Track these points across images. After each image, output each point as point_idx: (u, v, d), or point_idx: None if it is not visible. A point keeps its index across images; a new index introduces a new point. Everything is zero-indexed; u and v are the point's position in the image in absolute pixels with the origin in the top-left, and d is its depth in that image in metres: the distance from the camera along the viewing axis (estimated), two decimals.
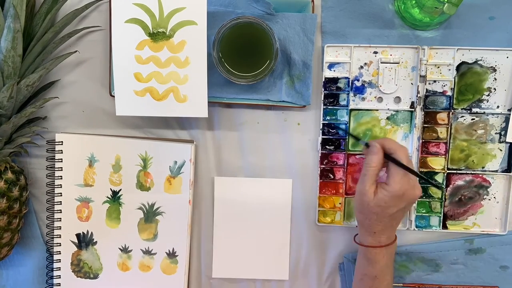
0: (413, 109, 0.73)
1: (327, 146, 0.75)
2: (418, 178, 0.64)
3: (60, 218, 0.78)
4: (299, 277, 0.79)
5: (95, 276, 0.80)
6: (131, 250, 0.79)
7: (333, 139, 0.74)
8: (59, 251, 0.79)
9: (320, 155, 0.75)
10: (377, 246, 0.65)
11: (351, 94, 0.74)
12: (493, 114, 0.73)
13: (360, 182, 0.64)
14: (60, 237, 0.79)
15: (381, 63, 0.72)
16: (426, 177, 0.66)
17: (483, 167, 0.74)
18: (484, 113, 0.73)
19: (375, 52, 0.73)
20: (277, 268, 0.79)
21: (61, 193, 0.78)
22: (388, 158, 0.63)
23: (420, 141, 0.73)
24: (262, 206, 0.77)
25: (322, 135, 0.74)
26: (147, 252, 0.79)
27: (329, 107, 0.74)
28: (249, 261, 0.79)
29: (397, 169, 0.62)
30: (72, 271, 0.80)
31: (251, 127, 0.77)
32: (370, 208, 0.63)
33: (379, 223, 0.64)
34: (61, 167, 0.77)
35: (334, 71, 0.74)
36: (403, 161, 0.62)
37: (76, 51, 0.75)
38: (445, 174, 0.74)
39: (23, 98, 0.71)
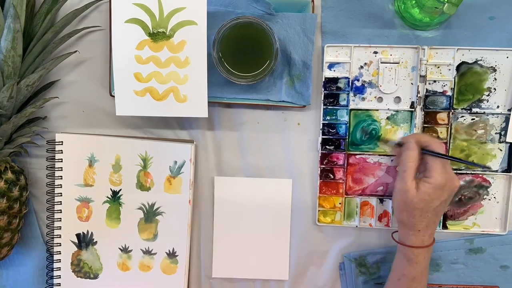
0: (413, 109, 0.73)
1: (327, 146, 0.75)
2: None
3: (60, 218, 0.78)
4: (299, 277, 0.79)
5: (95, 276, 0.80)
6: (131, 250, 0.79)
7: (333, 139, 0.74)
8: (59, 251, 0.79)
9: (320, 155, 0.75)
10: (420, 247, 0.64)
11: (351, 94, 0.74)
12: (493, 114, 0.73)
13: (399, 180, 0.64)
14: (60, 237, 0.79)
15: (381, 63, 0.72)
16: (467, 161, 0.67)
17: (483, 169, 0.74)
18: (484, 113, 0.73)
19: (375, 52, 0.73)
20: (277, 268, 0.79)
21: (61, 193, 0.78)
22: (426, 151, 0.63)
23: None
24: (262, 206, 0.77)
25: (322, 135, 0.74)
26: (147, 252, 0.79)
27: (329, 107, 0.74)
28: (249, 261, 0.79)
29: (435, 160, 0.62)
30: (72, 271, 0.80)
31: (251, 127, 0.77)
32: (414, 204, 0.62)
33: (423, 219, 0.63)
34: (61, 167, 0.77)
35: (334, 71, 0.74)
36: (441, 151, 0.63)
37: (76, 51, 0.75)
38: None
39: (23, 98, 0.71)
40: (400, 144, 0.67)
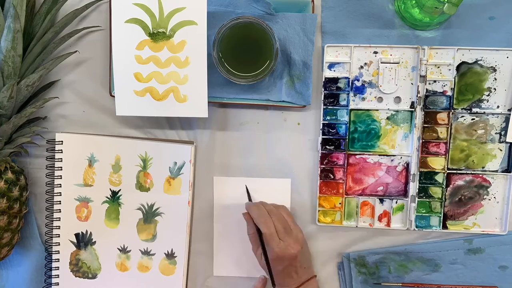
0: (413, 109, 0.73)
1: (327, 146, 0.75)
2: (299, 232, 0.71)
3: (60, 218, 0.78)
4: None
5: (94, 276, 0.80)
6: (130, 251, 0.79)
7: (333, 139, 0.74)
8: (58, 251, 0.79)
9: (320, 155, 0.75)
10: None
11: (351, 94, 0.74)
12: (493, 114, 0.73)
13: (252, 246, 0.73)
14: (59, 236, 0.79)
15: (381, 63, 0.72)
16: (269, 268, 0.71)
17: (483, 167, 0.74)
18: (484, 113, 0.73)
19: (375, 52, 0.73)
20: None
21: (60, 192, 0.78)
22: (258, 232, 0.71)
23: (420, 141, 0.73)
24: None
25: (322, 135, 0.74)
26: (146, 253, 0.79)
27: (329, 107, 0.74)
28: (250, 260, 0.78)
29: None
30: (71, 271, 0.80)
31: (251, 127, 0.77)
32: (263, 266, 0.72)
33: (276, 278, 0.70)
34: (61, 167, 0.77)
35: (334, 71, 0.74)
36: (261, 228, 0.69)
37: (76, 51, 0.75)
38: (445, 174, 0.74)
39: (23, 98, 0.71)
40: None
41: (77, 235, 0.79)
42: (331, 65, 0.73)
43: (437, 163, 0.74)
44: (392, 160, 0.75)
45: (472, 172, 0.74)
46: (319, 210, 0.76)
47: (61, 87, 0.78)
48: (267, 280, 0.78)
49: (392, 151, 0.74)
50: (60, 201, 0.78)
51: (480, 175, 0.74)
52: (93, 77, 0.77)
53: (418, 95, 0.72)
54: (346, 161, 0.75)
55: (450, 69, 0.72)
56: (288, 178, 0.77)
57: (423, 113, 0.73)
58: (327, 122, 0.74)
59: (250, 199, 0.76)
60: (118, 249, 0.79)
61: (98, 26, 0.76)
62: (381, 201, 0.76)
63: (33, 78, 0.69)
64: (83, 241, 0.79)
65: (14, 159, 0.78)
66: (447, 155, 0.74)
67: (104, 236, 0.79)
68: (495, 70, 0.72)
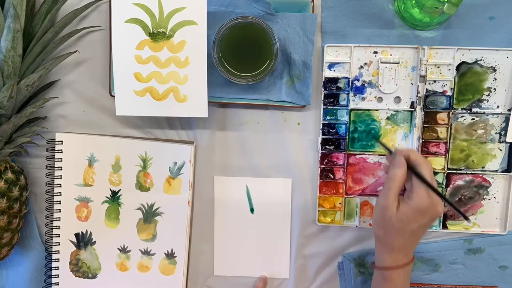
0: (413, 109, 0.73)
1: (327, 146, 0.75)
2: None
3: (60, 218, 0.78)
4: (298, 277, 0.79)
5: (94, 276, 0.80)
6: (129, 251, 0.79)
7: (333, 139, 0.74)
8: (58, 251, 0.79)
9: (320, 155, 0.75)
10: (394, 267, 0.63)
11: (351, 94, 0.74)
12: (493, 114, 0.73)
13: (382, 196, 0.62)
14: (59, 236, 0.79)
15: (381, 63, 0.72)
16: (451, 202, 0.63)
17: (483, 167, 0.74)
18: (484, 113, 0.73)
19: (375, 52, 0.73)
20: (278, 267, 0.79)
21: (60, 192, 0.78)
22: (412, 171, 0.61)
23: (420, 141, 0.73)
24: (262, 206, 0.78)
25: (322, 135, 0.74)
26: (146, 253, 0.79)
27: (329, 107, 0.74)
28: (250, 259, 0.79)
29: (420, 183, 0.60)
30: (71, 271, 0.80)
31: (251, 127, 0.77)
32: (392, 223, 0.60)
33: (399, 239, 0.61)
34: (61, 167, 0.77)
35: (334, 71, 0.74)
36: (427, 176, 0.60)
37: (76, 51, 0.75)
38: (445, 174, 0.74)
39: (23, 98, 0.71)
40: (392, 152, 0.65)
41: (77, 235, 0.79)
42: (331, 65, 0.73)
43: (437, 163, 0.74)
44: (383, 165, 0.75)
45: (472, 172, 0.74)
46: (319, 210, 0.76)
47: (61, 87, 0.78)
48: (267, 280, 0.78)
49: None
50: (60, 201, 0.78)
51: (480, 175, 0.74)
52: (93, 77, 0.77)
53: (418, 95, 0.72)
54: (346, 161, 0.75)
55: (450, 69, 0.72)
56: (288, 177, 0.77)
57: (423, 113, 0.73)
58: (327, 122, 0.74)
59: (390, 150, 0.67)
60: (118, 249, 0.79)
61: (98, 26, 0.76)
62: None
63: (33, 78, 0.69)
64: (83, 241, 0.79)
65: (14, 159, 0.78)
66: (447, 155, 0.74)
67: (104, 236, 0.79)
68: (495, 70, 0.72)
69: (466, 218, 0.60)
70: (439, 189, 0.74)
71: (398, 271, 0.63)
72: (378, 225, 0.63)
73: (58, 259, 0.79)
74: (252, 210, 0.78)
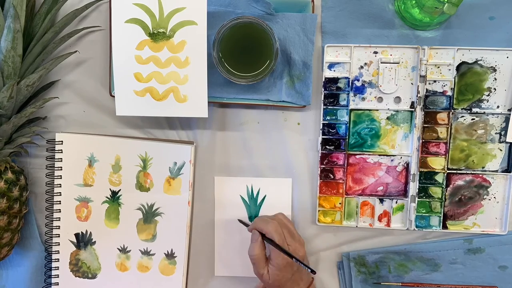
0: (413, 109, 0.73)
1: (327, 146, 0.75)
2: (299, 236, 0.72)
3: (59, 218, 0.78)
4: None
5: (93, 276, 0.80)
6: (129, 251, 0.79)
7: (333, 139, 0.74)
8: (58, 251, 0.79)
9: (320, 155, 0.75)
10: None
11: (351, 94, 0.74)
12: (493, 114, 0.73)
13: (253, 265, 0.69)
14: (58, 236, 0.79)
15: (381, 63, 0.72)
16: (297, 259, 0.67)
17: (483, 167, 0.74)
18: (484, 113, 0.73)
19: (375, 52, 0.73)
20: None
21: (60, 192, 0.78)
22: (264, 239, 0.69)
23: (420, 141, 0.73)
24: (263, 206, 0.78)
25: (322, 135, 0.74)
26: (146, 253, 0.79)
27: (329, 107, 0.74)
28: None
29: (273, 247, 0.67)
30: (71, 271, 0.79)
31: (251, 127, 0.77)
32: (272, 284, 0.68)
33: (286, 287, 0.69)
34: (61, 167, 0.77)
35: (334, 71, 0.74)
36: (274, 237, 0.67)
37: (76, 51, 0.75)
38: (445, 174, 0.74)
39: (23, 98, 0.71)
40: (247, 225, 0.73)
41: (77, 235, 0.79)
42: (331, 65, 0.73)
43: (437, 163, 0.74)
44: (392, 160, 0.75)
45: (472, 172, 0.74)
46: (319, 210, 0.76)
47: (61, 87, 0.78)
48: None
49: (392, 151, 0.74)
50: (60, 201, 0.78)
51: (480, 175, 0.74)
52: (93, 77, 0.77)
53: (418, 95, 0.72)
54: (346, 161, 0.75)
55: (450, 69, 0.72)
56: (288, 177, 0.77)
57: (423, 113, 0.73)
58: (327, 122, 0.74)
59: (247, 224, 0.75)
60: (118, 249, 0.79)
61: (98, 26, 0.76)
62: (381, 201, 0.76)
63: (33, 78, 0.69)
64: (83, 241, 0.79)
65: (14, 159, 0.78)
66: (447, 155, 0.74)
67: (104, 236, 0.79)
68: (495, 70, 0.72)
69: (312, 271, 0.65)
70: (439, 189, 0.74)
71: None
72: (268, 286, 0.71)
73: (58, 259, 0.79)
74: (251, 218, 0.78)
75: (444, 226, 0.75)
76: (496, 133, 0.73)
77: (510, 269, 0.76)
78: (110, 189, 0.78)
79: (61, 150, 0.77)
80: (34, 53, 0.70)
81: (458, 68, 0.72)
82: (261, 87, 0.74)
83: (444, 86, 0.72)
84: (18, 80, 0.67)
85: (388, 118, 0.74)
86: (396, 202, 0.75)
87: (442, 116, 0.73)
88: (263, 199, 0.77)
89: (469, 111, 0.73)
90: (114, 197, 0.78)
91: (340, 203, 0.76)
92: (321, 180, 0.75)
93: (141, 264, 0.79)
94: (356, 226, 0.76)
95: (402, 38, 0.73)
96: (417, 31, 0.73)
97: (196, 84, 0.69)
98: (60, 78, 0.78)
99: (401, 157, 0.75)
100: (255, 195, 0.77)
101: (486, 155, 0.74)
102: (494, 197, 0.74)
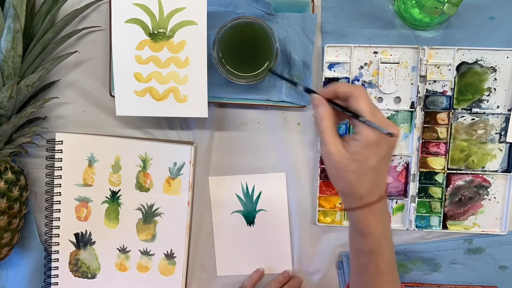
0: (413, 109, 0.73)
1: None
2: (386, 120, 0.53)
3: (59, 218, 0.78)
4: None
5: (93, 276, 0.80)
6: (129, 251, 0.79)
7: None
8: (57, 251, 0.79)
9: (320, 155, 0.75)
10: (365, 206, 0.53)
11: None
12: (493, 114, 0.73)
13: (321, 144, 0.54)
14: (58, 236, 0.79)
15: (381, 63, 0.72)
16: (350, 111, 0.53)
17: (483, 167, 0.74)
18: (484, 113, 0.73)
19: (375, 52, 0.73)
20: (278, 268, 0.79)
21: (60, 192, 0.78)
22: (341, 108, 0.54)
23: (420, 141, 0.73)
24: (260, 203, 0.78)
25: None
26: (145, 253, 0.79)
27: None
28: (250, 261, 0.79)
29: (363, 113, 0.51)
30: (70, 271, 0.79)
31: (251, 127, 0.77)
32: (345, 167, 0.51)
33: (363, 182, 0.52)
34: (61, 167, 0.77)
35: (334, 71, 0.74)
36: (363, 104, 0.51)
37: (76, 51, 0.75)
38: (445, 174, 0.74)
39: (23, 98, 0.71)
40: (308, 91, 0.57)
41: (76, 235, 0.79)
42: (331, 65, 0.73)
43: (437, 163, 0.74)
44: (392, 160, 0.75)
45: (472, 172, 0.74)
46: (319, 210, 0.76)
47: (61, 87, 0.78)
48: (263, 273, 0.78)
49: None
50: (59, 201, 0.78)
51: (480, 175, 0.74)
52: (93, 77, 0.77)
53: (418, 95, 0.72)
54: None
55: (450, 69, 0.72)
56: (282, 172, 0.77)
57: (423, 113, 0.73)
58: None
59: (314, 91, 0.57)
60: (118, 249, 0.79)
61: (98, 26, 0.76)
62: None
63: (33, 78, 0.69)
64: (82, 241, 0.79)
65: (14, 159, 0.77)
66: (447, 155, 0.74)
67: (104, 236, 0.79)
68: (495, 70, 0.72)
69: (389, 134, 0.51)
70: (439, 189, 0.74)
71: (374, 220, 0.54)
72: (334, 177, 0.54)
73: (58, 259, 0.79)
74: (250, 223, 0.79)
75: (444, 226, 0.75)
76: (496, 133, 0.73)
77: (510, 269, 0.76)
78: (110, 189, 0.78)
79: (61, 150, 0.77)
80: (34, 53, 0.70)
81: (458, 68, 0.72)
82: (261, 87, 0.74)
83: (444, 86, 0.72)
84: (18, 80, 0.67)
85: (388, 118, 0.74)
86: (396, 202, 0.75)
87: (442, 116, 0.73)
88: (258, 196, 0.78)
89: (469, 111, 0.73)
90: (114, 197, 0.78)
91: (340, 203, 0.76)
92: (321, 180, 0.75)
93: (141, 264, 0.79)
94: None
95: (402, 38, 0.73)
96: (417, 31, 0.73)
97: (196, 84, 0.69)
98: (60, 78, 0.78)
99: (401, 157, 0.75)
100: (250, 192, 0.78)
101: (486, 155, 0.74)
102: (494, 197, 0.74)
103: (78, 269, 0.80)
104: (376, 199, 0.53)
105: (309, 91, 0.56)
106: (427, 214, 0.75)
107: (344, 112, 0.53)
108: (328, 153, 0.52)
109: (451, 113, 0.73)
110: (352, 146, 0.51)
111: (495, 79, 0.72)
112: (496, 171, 0.74)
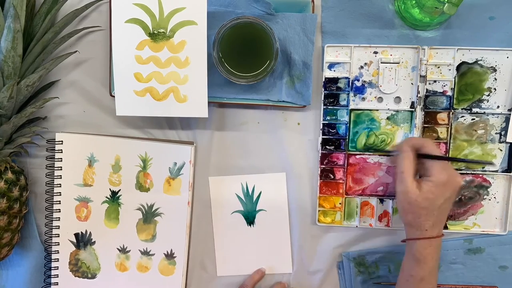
0: (413, 109, 0.73)
1: (327, 146, 0.75)
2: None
3: (59, 218, 0.78)
4: (299, 276, 0.79)
5: (93, 276, 0.80)
6: (129, 251, 0.79)
7: (333, 139, 0.74)
8: (57, 251, 0.79)
9: (320, 155, 0.75)
10: (426, 238, 0.64)
11: (351, 94, 0.74)
12: (493, 114, 0.73)
13: (399, 182, 0.64)
14: (58, 236, 0.79)
15: (381, 63, 0.72)
16: (468, 160, 0.66)
17: (483, 167, 0.74)
18: (484, 113, 0.73)
19: (375, 52, 0.73)
20: (278, 268, 0.79)
21: (60, 192, 0.78)
22: (422, 155, 0.64)
23: None
24: (260, 203, 0.78)
25: (322, 135, 0.74)
26: (145, 253, 0.79)
27: (329, 107, 0.74)
28: (250, 261, 0.79)
29: (433, 161, 0.63)
30: (70, 271, 0.79)
31: (251, 127, 0.77)
32: (418, 204, 0.62)
33: (429, 219, 0.63)
34: (61, 167, 0.77)
35: (334, 71, 0.74)
36: (435, 152, 0.63)
37: (76, 51, 0.75)
38: None
39: (23, 98, 0.71)
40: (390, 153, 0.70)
41: (76, 235, 0.79)
42: (331, 65, 0.73)
43: None
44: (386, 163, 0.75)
45: (472, 172, 0.74)
46: (319, 210, 0.76)
47: (61, 87, 0.78)
48: (264, 274, 0.78)
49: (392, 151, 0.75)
50: (59, 201, 0.78)
51: (480, 175, 0.74)
52: (93, 77, 0.77)
53: (418, 95, 0.72)
54: (346, 161, 0.75)
55: (450, 69, 0.72)
56: (282, 172, 0.77)
57: (423, 113, 0.73)
58: (327, 122, 0.74)
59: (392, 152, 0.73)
60: (118, 249, 0.79)
61: (98, 26, 0.76)
62: (381, 201, 0.76)
63: (33, 78, 0.69)
64: (82, 241, 0.79)
65: (14, 159, 0.78)
66: (447, 155, 0.73)
67: (104, 236, 0.79)
68: (495, 70, 0.72)
69: (486, 162, 0.65)
70: None
71: (431, 251, 0.64)
72: (406, 211, 0.64)
73: (58, 259, 0.79)
74: (250, 223, 0.78)
75: (444, 226, 0.75)
76: (496, 133, 0.73)
77: (510, 269, 0.76)
78: (110, 189, 0.78)
79: (61, 150, 0.77)
80: (34, 53, 0.70)
81: (458, 68, 0.72)
82: (261, 87, 0.74)
83: (444, 86, 0.72)
84: (18, 80, 0.67)
85: (388, 118, 0.74)
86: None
87: (442, 116, 0.73)
88: (258, 196, 0.78)
89: (469, 111, 0.73)
90: (114, 197, 0.78)
91: (340, 203, 0.76)
92: (321, 180, 0.75)
93: (141, 264, 0.79)
94: (356, 226, 0.76)
95: (402, 38, 0.73)
96: (417, 31, 0.73)
97: (196, 84, 0.69)
98: (60, 78, 0.78)
99: None
100: (250, 192, 0.78)
101: (486, 155, 0.74)
102: (494, 197, 0.74)
103: (78, 269, 0.80)
104: (436, 234, 0.64)
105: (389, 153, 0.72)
106: None
107: (434, 158, 0.63)
108: (406, 191, 0.63)
109: (451, 113, 0.73)
110: (425, 186, 0.62)
111: (495, 79, 0.72)
112: (496, 171, 0.74)
